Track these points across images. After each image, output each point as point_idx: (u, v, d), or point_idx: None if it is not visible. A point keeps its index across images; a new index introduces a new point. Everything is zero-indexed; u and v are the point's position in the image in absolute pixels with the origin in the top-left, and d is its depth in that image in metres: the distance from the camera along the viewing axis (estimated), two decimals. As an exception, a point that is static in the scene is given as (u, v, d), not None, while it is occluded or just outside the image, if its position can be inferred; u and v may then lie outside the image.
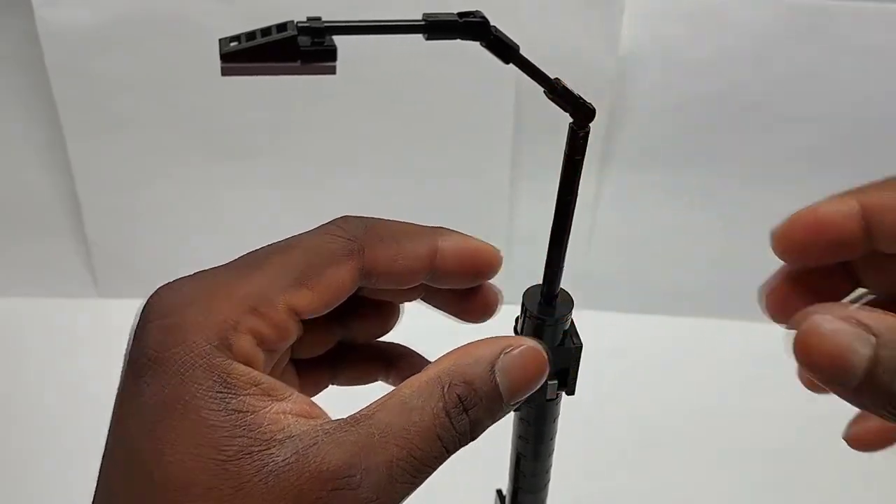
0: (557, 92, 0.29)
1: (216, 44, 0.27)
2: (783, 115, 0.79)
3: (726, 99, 0.79)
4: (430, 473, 0.29)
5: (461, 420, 0.29)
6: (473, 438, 0.30)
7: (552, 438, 0.39)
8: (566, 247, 0.34)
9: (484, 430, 0.30)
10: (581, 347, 0.36)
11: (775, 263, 0.33)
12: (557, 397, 0.38)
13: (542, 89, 0.30)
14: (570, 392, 0.37)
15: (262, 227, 0.86)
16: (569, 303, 0.35)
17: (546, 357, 0.32)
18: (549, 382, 0.36)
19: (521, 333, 0.36)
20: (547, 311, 0.35)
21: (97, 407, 0.76)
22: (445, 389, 0.29)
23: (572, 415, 0.71)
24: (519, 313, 0.36)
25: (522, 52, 0.28)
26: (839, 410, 0.78)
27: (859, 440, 0.35)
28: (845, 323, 0.25)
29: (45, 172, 0.84)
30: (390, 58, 0.77)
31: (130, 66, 0.77)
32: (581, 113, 0.30)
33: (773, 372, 0.86)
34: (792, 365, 0.30)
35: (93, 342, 0.85)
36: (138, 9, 0.74)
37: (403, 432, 0.28)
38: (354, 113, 0.80)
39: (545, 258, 0.34)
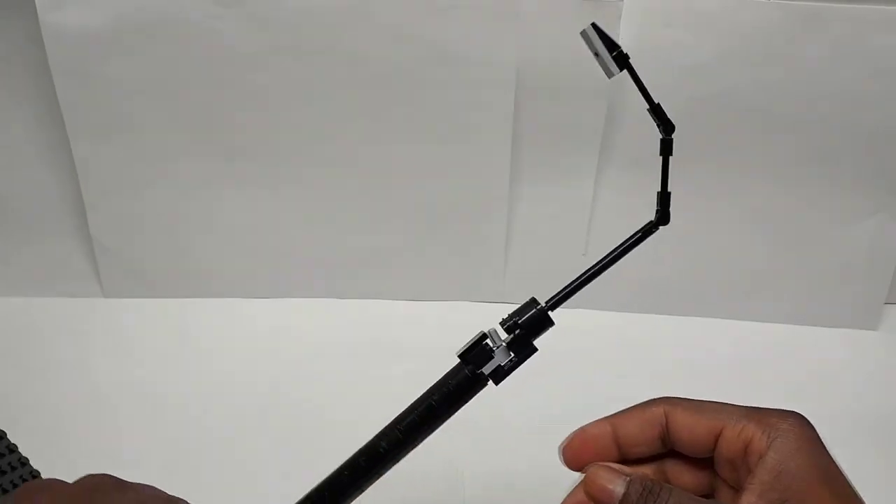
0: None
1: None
2: (782, 117, 0.80)
3: (725, 100, 0.79)
4: None
5: None
6: None
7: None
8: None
9: None
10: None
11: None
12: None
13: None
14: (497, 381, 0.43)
15: (265, 227, 0.87)
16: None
17: None
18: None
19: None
20: None
21: (102, 407, 0.77)
22: None
23: (571, 412, 0.72)
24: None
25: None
26: (839, 410, 0.78)
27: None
28: (611, 469, 0.42)
29: (50, 173, 0.85)
30: (391, 58, 0.77)
31: (134, 69, 0.77)
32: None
33: (771, 370, 0.87)
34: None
35: (98, 342, 0.86)
36: (141, 11, 0.74)
37: None
38: (356, 114, 0.80)
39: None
